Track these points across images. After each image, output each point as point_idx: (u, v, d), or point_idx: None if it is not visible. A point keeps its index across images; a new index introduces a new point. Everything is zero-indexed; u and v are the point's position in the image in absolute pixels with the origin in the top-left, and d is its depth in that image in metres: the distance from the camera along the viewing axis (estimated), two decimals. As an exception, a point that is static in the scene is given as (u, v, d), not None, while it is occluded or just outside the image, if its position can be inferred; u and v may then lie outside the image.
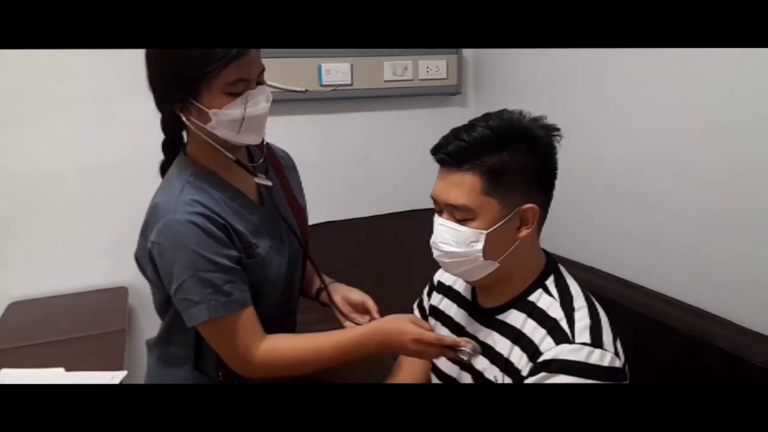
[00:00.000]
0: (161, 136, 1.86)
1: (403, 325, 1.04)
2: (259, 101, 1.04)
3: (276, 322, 1.16)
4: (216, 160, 1.10)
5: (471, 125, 0.98)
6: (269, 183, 1.14)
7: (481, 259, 0.98)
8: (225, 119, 1.02)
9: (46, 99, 1.78)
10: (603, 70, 1.62)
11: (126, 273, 1.89)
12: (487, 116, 1.00)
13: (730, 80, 1.27)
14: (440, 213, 1.03)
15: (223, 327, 1.04)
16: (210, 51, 0.97)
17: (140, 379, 1.66)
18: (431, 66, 2.16)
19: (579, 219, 1.76)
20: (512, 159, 0.96)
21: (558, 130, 1.02)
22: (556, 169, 1.03)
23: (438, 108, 2.26)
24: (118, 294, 1.88)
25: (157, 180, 1.24)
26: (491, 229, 0.97)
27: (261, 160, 1.18)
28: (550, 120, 0.98)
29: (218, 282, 1.02)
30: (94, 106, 1.83)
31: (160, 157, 1.18)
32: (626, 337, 1.32)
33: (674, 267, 1.44)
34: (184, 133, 1.15)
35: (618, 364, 0.95)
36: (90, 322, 1.69)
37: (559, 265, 1.10)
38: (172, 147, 1.16)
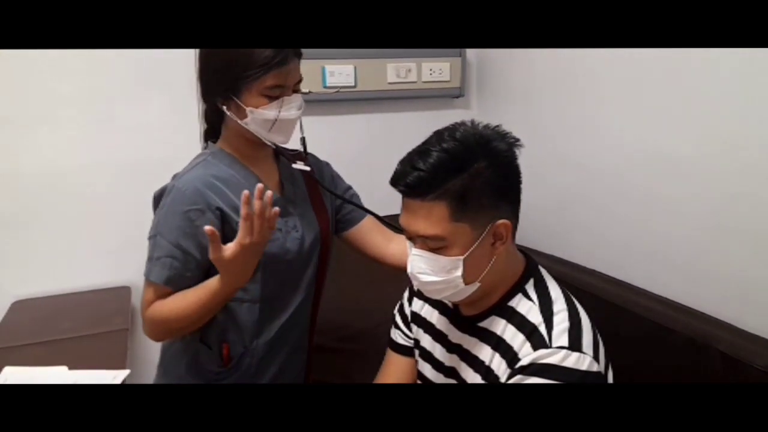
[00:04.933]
0: (164, 137, 1.92)
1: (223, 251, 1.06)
2: (292, 107, 1.18)
3: (282, 307, 1.27)
4: (242, 151, 1.24)
5: (426, 150, 0.94)
6: (308, 168, 1.26)
7: (463, 284, 0.98)
8: (259, 118, 1.16)
9: (48, 99, 1.79)
10: (604, 72, 1.62)
11: (129, 273, 1.91)
12: (440, 137, 0.95)
13: (732, 82, 1.27)
14: (412, 240, 1.00)
15: (151, 286, 1.18)
16: (253, 56, 1.11)
17: (142, 378, 1.67)
18: (434, 68, 2.16)
19: (579, 221, 1.77)
20: (475, 179, 0.93)
21: (518, 140, 0.99)
22: (519, 176, 1.00)
23: (441, 110, 2.26)
24: (121, 293, 1.89)
25: (159, 180, 1.25)
26: (467, 254, 0.95)
27: (299, 152, 1.31)
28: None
29: (173, 254, 1.16)
30: (97, 106, 1.84)
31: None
32: (627, 339, 1.33)
33: (675, 270, 1.44)
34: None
35: (596, 368, 0.93)
36: (93, 322, 1.70)
37: (539, 266, 1.09)
38: (211, 136, 1.30)
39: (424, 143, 0.97)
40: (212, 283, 1.13)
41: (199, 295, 1.14)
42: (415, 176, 0.93)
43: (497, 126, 0.99)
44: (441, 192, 0.92)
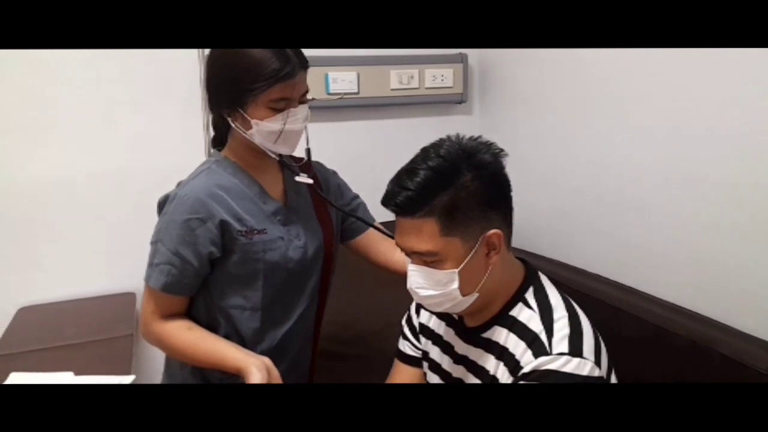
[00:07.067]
0: (168, 145, 1.92)
1: (260, 367, 1.11)
2: (298, 119, 1.18)
3: (285, 315, 1.28)
4: (247, 160, 1.24)
5: (412, 170, 0.96)
6: (310, 181, 1.26)
7: (460, 296, 0.99)
8: (264, 130, 1.16)
9: (53, 107, 1.80)
10: (605, 77, 1.63)
11: (133, 279, 1.90)
12: (426, 155, 0.97)
13: (732, 85, 1.28)
14: (410, 257, 1.02)
15: (150, 292, 1.22)
16: (260, 69, 1.11)
17: (147, 383, 1.68)
18: (437, 74, 2.17)
19: (582, 226, 1.77)
20: (462, 193, 0.95)
21: (503, 150, 1.01)
22: (508, 184, 1.02)
23: (444, 116, 2.28)
24: (126, 300, 1.90)
25: (163, 187, 1.27)
26: (462, 266, 0.96)
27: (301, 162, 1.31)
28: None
29: (171, 261, 1.18)
30: (102, 114, 1.85)
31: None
32: (629, 343, 1.34)
33: (677, 274, 1.44)
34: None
35: (597, 373, 0.94)
36: (98, 328, 1.70)
37: (539, 273, 1.10)
38: (218, 143, 1.30)
39: (411, 162, 0.99)
40: (228, 357, 1.16)
41: (210, 355, 1.18)
42: (404, 196, 0.95)
43: (480, 137, 1.01)
44: (429, 209, 0.94)
